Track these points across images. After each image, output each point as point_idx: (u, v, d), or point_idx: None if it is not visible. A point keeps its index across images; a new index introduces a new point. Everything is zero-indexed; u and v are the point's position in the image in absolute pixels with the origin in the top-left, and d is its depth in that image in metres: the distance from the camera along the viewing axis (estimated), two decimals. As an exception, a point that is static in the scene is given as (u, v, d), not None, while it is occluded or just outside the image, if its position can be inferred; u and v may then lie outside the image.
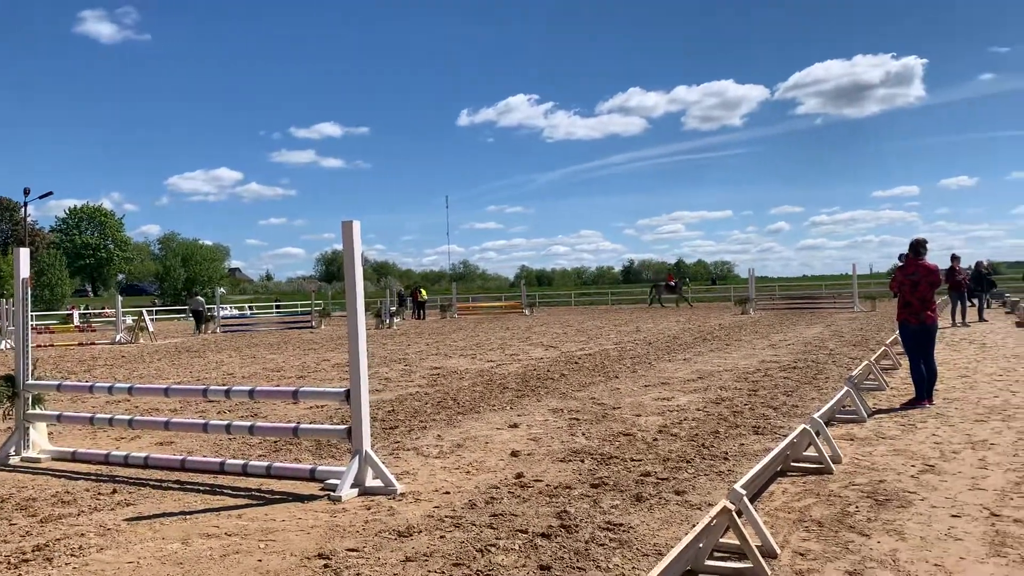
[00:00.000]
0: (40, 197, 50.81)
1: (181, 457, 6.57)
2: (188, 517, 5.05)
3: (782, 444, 5.50)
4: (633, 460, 6.23)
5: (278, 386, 11.98)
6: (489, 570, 3.94)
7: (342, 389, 5.83)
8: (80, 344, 25.49)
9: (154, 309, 48.75)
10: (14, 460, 6.93)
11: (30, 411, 7.14)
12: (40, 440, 7.15)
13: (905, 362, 9.59)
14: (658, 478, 5.64)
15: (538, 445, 6.99)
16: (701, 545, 3.70)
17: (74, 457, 6.93)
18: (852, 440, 6.78)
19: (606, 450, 6.64)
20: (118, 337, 26.38)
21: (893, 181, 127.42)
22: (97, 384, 7.43)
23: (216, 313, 33.39)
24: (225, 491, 5.71)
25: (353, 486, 5.46)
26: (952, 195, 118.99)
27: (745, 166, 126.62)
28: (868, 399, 8.59)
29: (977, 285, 22.39)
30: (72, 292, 69.41)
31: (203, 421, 6.84)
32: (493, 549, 4.22)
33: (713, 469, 5.89)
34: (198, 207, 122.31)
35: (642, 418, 8.17)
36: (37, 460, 6.91)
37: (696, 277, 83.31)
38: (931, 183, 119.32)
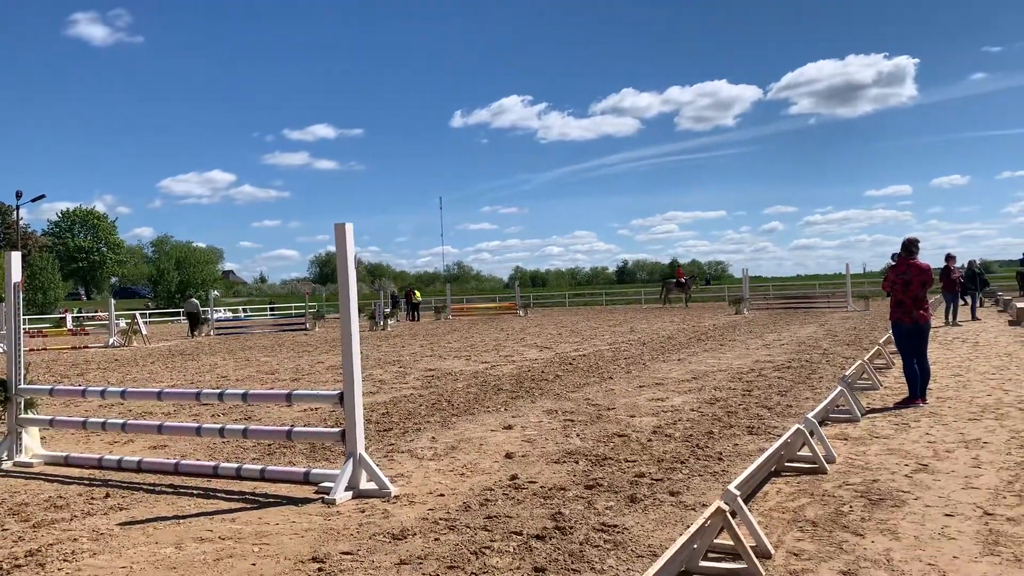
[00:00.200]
0: (33, 200, 50.67)
1: (175, 461, 6.56)
2: (182, 521, 5.03)
3: (776, 444, 5.50)
4: (627, 461, 6.23)
5: (272, 389, 11.95)
6: (484, 572, 3.93)
7: (336, 392, 5.82)
8: (73, 348, 25.40)
9: (147, 312, 48.63)
10: (7, 465, 6.90)
11: (22, 415, 7.10)
12: (33, 444, 7.12)
13: (898, 361, 9.61)
14: (652, 479, 5.64)
15: (532, 447, 6.99)
16: (695, 546, 3.71)
17: (67, 461, 6.90)
18: (846, 440, 6.80)
19: (600, 451, 6.64)
20: (111, 340, 26.30)
21: (886, 180, 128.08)
22: (90, 388, 7.40)
23: (210, 316, 33.31)
24: (219, 495, 5.69)
25: (347, 489, 5.45)
26: (945, 194, 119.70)
27: (738, 166, 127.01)
28: (862, 398, 8.61)
29: (970, 284, 22.47)
30: (65, 295, 69.22)
31: (197, 424, 6.82)
32: (488, 551, 4.22)
33: (707, 470, 5.90)
34: (191, 209, 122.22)
35: (636, 419, 8.17)
36: (30, 465, 6.88)
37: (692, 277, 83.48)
38: (924, 182, 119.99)
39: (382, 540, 4.50)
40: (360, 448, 5.59)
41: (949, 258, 20.19)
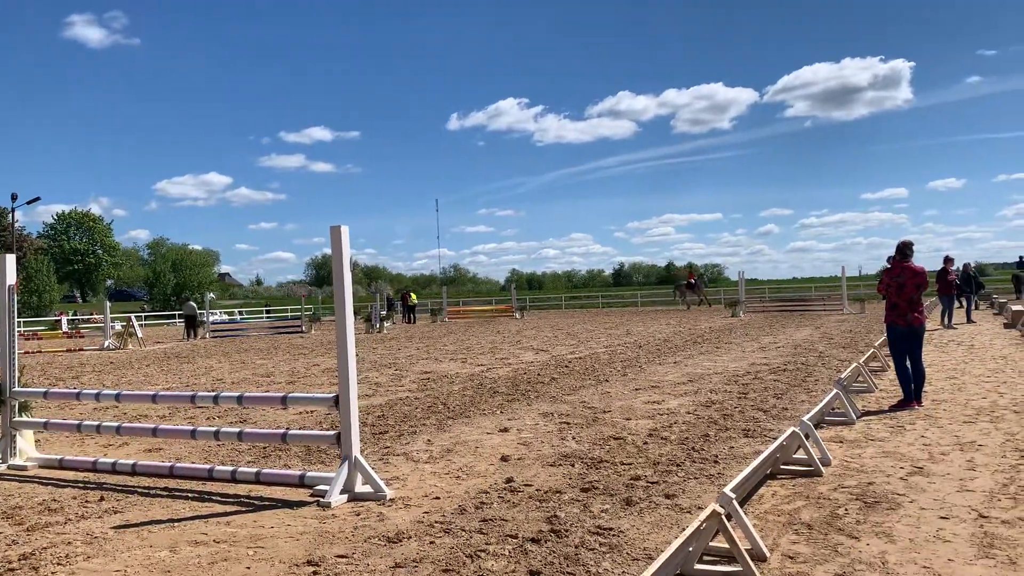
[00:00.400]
0: (28, 202, 50.53)
1: (169, 464, 6.54)
2: (176, 524, 5.02)
3: (772, 447, 5.51)
4: (623, 464, 6.23)
5: (267, 392, 11.93)
6: (479, 575, 3.93)
7: (331, 394, 5.81)
8: (68, 350, 25.32)
9: (143, 315, 48.52)
10: (1, 468, 6.87)
11: (17, 418, 7.08)
12: (27, 448, 7.10)
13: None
14: (648, 482, 5.64)
15: (528, 449, 6.98)
16: (691, 549, 3.71)
17: (61, 464, 6.87)
18: (841, 442, 6.80)
19: (596, 454, 6.64)
20: (106, 343, 26.23)
21: (882, 183, 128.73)
22: (85, 391, 7.38)
23: (206, 318, 33.23)
24: (214, 498, 5.68)
25: (342, 492, 5.44)
26: (940, 197, 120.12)
27: (735, 169, 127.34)
28: (857, 401, 8.63)
29: (965, 286, 22.51)
30: (60, 298, 69.00)
31: (191, 427, 6.80)
32: (483, 555, 4.21)
33: (703, 472, 5.90)
34: (187, 212, 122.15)
35: (632, 422, 8.17)
36: (24, 468, 6.86)
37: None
38: (919, 185, 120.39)
39: (377, 543, 4.49)
40: (355, 451, 5.58)
41: (947, 260, 20.18)
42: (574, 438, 7.40)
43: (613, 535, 4.46)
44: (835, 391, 7.77)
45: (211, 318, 35.40)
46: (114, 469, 6.56)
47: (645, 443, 7.04)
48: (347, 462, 5.53)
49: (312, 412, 9.57)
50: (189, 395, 6.93)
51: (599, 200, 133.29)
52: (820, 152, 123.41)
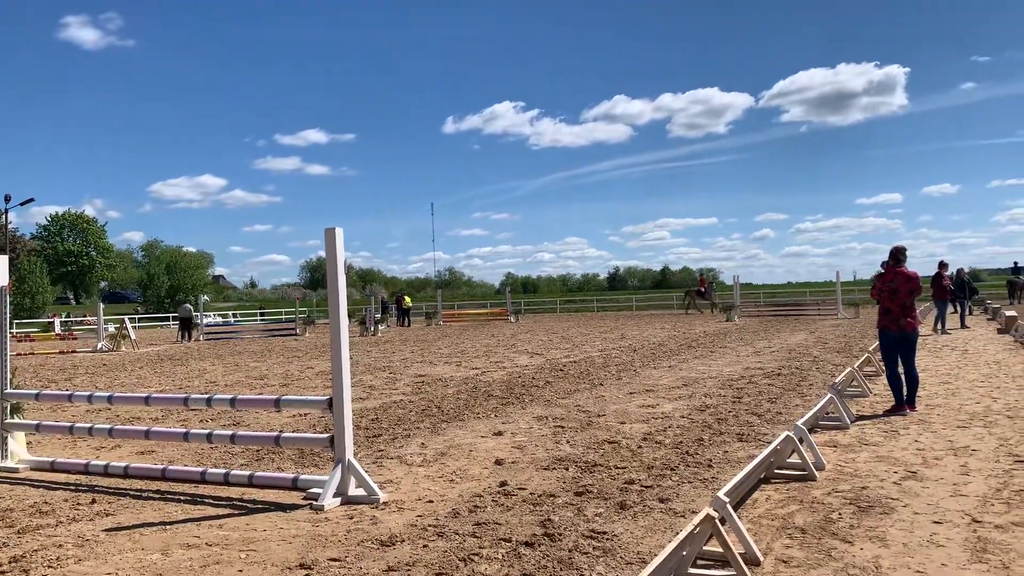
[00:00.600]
0: (21, 204, 50.51)
1: (162, 466, 6.51)
2: (168, 527, 5.00)
3: (766, 451, 5.51)
4: (617, 468, 6.23)
5: (261, 394, 11.89)
6: (472, 579, 3.91)
7: (325, 397, 5.80)
8: (61, 352, 25.23)
9: (137, 317, 48.38)
10: (-9, 470, 6.84)
11: (8, 420, 7.05)
12: (18, 450, 7.06)
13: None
14: (642, 486, 5.64)
15: (522, 453, 6.97)
16: (684, 553, 3.70)
17: (53, 467, 6.84)
18: (835, 447, 6.81)
19: (590, 458, 6.64)
20: (100, 345, 26.14)
21: (876, 188, 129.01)
22: (77, 393, 7.34)
23: (200, 321, 33.16)
24: (206, 500, 5.65)
25: (336, 495, 5.42)
26: (935, 202, 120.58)
27: (730, 173, 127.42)
28: (851, 406, 8.63)
29: (959, 292, 22.57)
30: (53, 300, 68.79)
31: (184, 430, 6.77)
32: (476, 558, 4.20)
33: (697, 476, 5.89)
34: (181, 214, 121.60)
35: (627, 425, 8.17)
36: (15, 470, 6.82)
37: (684, 284, 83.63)
38: (914, 191, 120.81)
39: (370, 547, 4.48)
40: (349, 454, 5.56)
41: (942, 265, 20.23)
42: (568, 442, 7.39)
43: (607, 539, 4.45)
44: (829, 395, 7.78)
45: (205, 320, 35.31)
46: (106, 471, 6.53)
47: (639, 447, 7.03)
48: (340, 465, 5.51)
49: (306, 415, 9.55)
50: (182, 397, 6.90)
51: (594, 204, 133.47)
52: (815, 157, 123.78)
